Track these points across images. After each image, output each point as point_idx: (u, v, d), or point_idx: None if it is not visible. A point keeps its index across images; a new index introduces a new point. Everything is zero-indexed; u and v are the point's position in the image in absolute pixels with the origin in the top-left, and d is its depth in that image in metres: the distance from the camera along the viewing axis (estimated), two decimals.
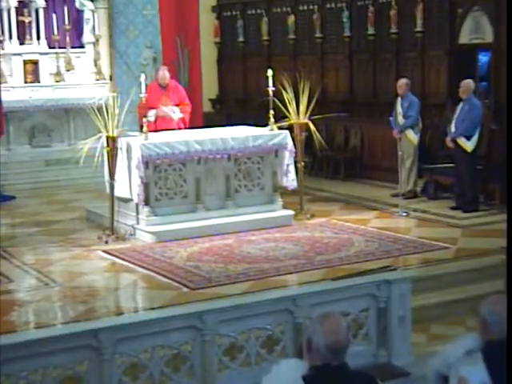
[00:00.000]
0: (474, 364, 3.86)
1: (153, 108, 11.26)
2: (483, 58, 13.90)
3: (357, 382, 3.79)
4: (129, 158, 10.13)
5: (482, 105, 11.41)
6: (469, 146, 11.03)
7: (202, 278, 8.39)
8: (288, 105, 10.98)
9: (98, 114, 9.97)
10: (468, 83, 11.27)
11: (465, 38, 13.02)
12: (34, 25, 15.50)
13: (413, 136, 12.00)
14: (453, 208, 11.18)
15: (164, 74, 11.57)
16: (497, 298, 4.02)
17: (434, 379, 4.17)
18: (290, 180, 10.74)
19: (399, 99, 12.14)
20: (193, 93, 13.48)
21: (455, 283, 8.40)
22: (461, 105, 11.22)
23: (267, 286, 7.94)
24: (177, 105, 11.62)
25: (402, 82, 12.20)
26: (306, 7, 15.80)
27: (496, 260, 8.56)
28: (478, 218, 10.75)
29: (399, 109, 12.08)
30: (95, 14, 16.01)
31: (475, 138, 11.03)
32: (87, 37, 16.04)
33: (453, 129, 11.17)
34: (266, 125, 10.98)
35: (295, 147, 10.85)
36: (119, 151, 10.11)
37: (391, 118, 12.21)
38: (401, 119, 12.03)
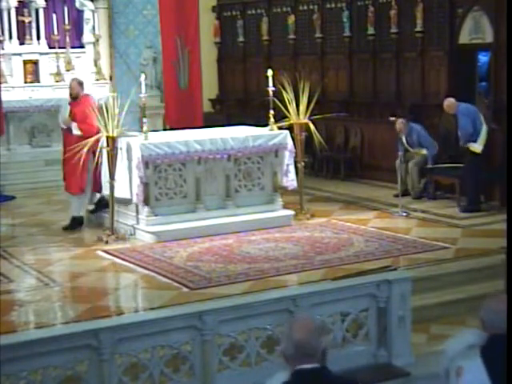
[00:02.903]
0: (472, 358, 3.88)
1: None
2: (483, 58, 13.90)
3: None
4: (129, 158, 10.12)
5: (471, 109, 11.49)
6: (477, 147, 11.16)
7: (202, 278, 8.39)
8: (288, 105, 10.98)
9: (98, 114, 9.97)
10: (446, 102, 11.56)
11: (465, 38, 13.02)
12: (34, 25, 15.50)
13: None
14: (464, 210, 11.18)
15: (70, 84, 11.12)
16: (494, 297, 4.04)
17: (444, 377, 4.17)
18: (290, 180, 10.74)
19: (403, 137, 12.27)
20: (193, 93, 13.47)
21: (455, 283, 8.40)
22: None
23: (267, 286, 7.95)
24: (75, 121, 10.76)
25: (399, 123, 12.29)
26: (305, 7, 15.79)
27: (496, 260, 8.56)
28: (478, 218, 10.75)
29: (406, 145, 12.26)
30: (95, 14, 16.01)
31: (482, 138, 11.14)
32: (87, 37, 16.05)
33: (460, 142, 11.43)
34: (266, 125, 10.98)
35: (295, 147, 10.86)
36: (119, 151, 10.11)
37: (400, 152, 12.17)
38: (412, 150, 12.23)
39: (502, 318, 3.89)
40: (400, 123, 12.28)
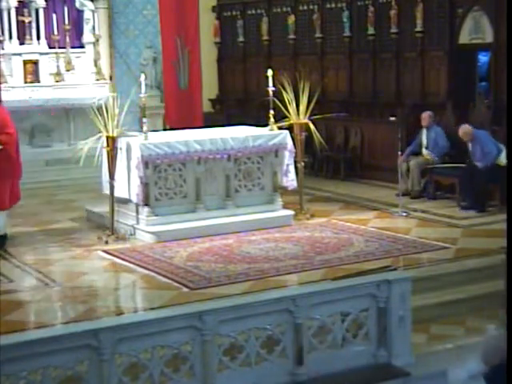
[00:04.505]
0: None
1: None
2: (483, 58, 13.91)
3: None
4: (128, 158, 10.12)
5: (486, 133, 11.46)
6: (502, 160, 11.12)
7: (202, 278, 8.40)
8: (288, 105, 10.98)
9: (98, 114, 9.97)
10: (464, 129, 11.37)
11: (465, 38, 13.03)
12: (34, 25, 15.49)
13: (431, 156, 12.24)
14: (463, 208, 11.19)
15: None
16: (491, 337, 4.09)
17: None
18: (290, 180, 10.74)
19: (424, 130, 12.23)
20: (193, 93, 13.48)
21: (455, 283, 8.40)
22: (470, 144, 11.36)
23: (267, 286, 7.95)
24: None
25: (426, 114, 12.24)
26: (305, 7, 15.81)
27: (496, 260, 8.55)
28: (478, 218, 10.75)
29: (424, 140, 12.22)
30: (95, 14, 16.01)
31: (503, 154, 11.10)
32: (87, 37, 16.04)
33: (479, 164, 11.20)
34: (266, 125, 10.99)
35: (295, 147, 10.86)
36: (119, 151, 10.11)
37: (410, 148, 12.23)
38: (424, 151, 12.18)
39: (502, 353, 3.92)
40: (427, 114, 12.22)
